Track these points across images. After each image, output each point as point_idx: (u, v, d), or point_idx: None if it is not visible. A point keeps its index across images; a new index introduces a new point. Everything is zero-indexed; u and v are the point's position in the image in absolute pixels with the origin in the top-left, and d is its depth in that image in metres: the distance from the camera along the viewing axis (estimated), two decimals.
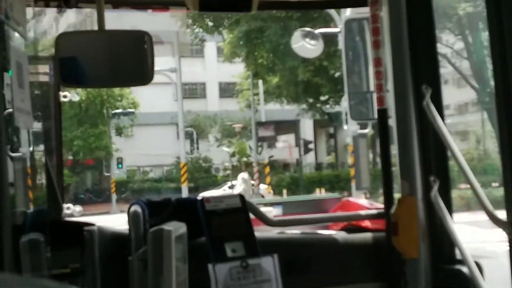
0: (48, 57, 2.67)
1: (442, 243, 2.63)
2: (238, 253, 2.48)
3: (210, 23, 26.88)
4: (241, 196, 2.62)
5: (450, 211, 2.59)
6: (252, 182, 24.73)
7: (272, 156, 33.81)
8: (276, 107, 31.31)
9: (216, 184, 33.33)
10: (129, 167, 37.41)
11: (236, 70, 34.99)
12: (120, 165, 35.98)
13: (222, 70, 41.51)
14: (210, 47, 41.67)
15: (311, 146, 33.17)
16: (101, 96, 34.87)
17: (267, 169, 29.99)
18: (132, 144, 37.55)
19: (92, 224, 2.52)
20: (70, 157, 36.20)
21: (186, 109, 32.47)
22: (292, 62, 24.83)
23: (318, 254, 2.74)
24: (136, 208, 2.45)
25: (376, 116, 2.72)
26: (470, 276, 2.48)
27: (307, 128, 37.47)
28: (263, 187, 27.25)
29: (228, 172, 37.27)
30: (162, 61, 32.86)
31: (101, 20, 2.57)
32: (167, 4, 2.89)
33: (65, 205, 2.80)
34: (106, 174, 37.55)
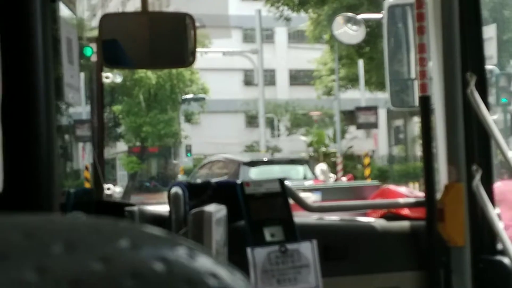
0: (92, 38, 2.68)
1: (483, 233, 2.61)
2: (277, 238, 2.48)
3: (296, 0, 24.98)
4: (280, 181, 2.62)
5: (492, 201, 2.57)
6: (331, 174, 22.71)
7: (351, 147, 32.19)
8: (354, 95, 29.18)
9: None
10: (195, 155, 36.68)
11: (308, 57, 33.88)
12: (189, 153, 35.03)
13: (293, 57, 40.77)
14: (280, 33, 41.06)
15: (402, 136, 31.33)
16: (171, 80, 34.06)
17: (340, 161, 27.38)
18: (199, 132, 36.87)
19: (133, 205, 2.53)
20: (138, 144, 35.60)
21: (255, 96, 31.71)
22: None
23: (356, 241, 2.73)
24: (176, 189, 2.46)
25: (416, 103, 2.70)
26: (511, 267, 2.46)
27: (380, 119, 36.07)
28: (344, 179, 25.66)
29: None
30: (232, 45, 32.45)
31: (144, 1, 2.57)
32: None
33: (105, 186, 2.82)
34: (174, 161, 36.91)
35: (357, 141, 33.36)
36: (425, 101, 2.62)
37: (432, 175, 2.62)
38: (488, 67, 21.67)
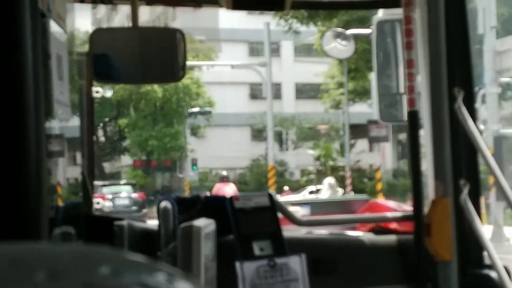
0: (82, 52, 2.71)
1: (470, 247, 2.62)
2: (265, 252, 2.49)
3: (305, 12, 25.10)
4: (269, 195, 2.63)
5: (479, 215, 2.58)
6: (339, 189, 21.97)
7: (359, 161, 32.14)
8: (361, 108, 29.29)
9: (293, 189, 30.63)
10: (201, 169, 36.52)
11: (314, 70, 33.79)
12: (195, 167, 34.98)
13: (299, 70, 40.71)
14: (286, 47, 41.06)
15: (407, 150, 30.99)
16: (177, 94, 33.99)
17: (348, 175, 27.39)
18: (204, 145, 36.80)
19: (122, 219, 2.55)
20: (143, 157, 35.46)
21: (261, 110, 31.59)
22: None
23: (345, 255, 2.74)
24: (166, 204, 2.48)
25: (405, 118, 2.71)
26: (499, 281, 2.47)
27: None
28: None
29: (305, 176, 35.24)
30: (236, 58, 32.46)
31: (134, 16, 2.60)
32: (201, 1, 2.91)
33: (95, 200, 2.84)
34: (180, 175, 36.86)
35: (363, 155, 33.31)
36: (413, 116, 2.64)
37: (420, 189, 2.63)
38: (505, 79, 21.59)
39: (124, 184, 31.51)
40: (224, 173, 26.39)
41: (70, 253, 0.52)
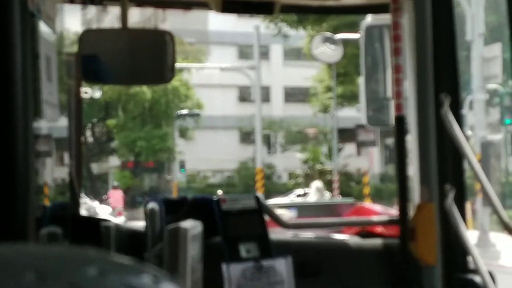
0: (71, 53, 2.71)
1: (455, 252, 2.63)
2: (252, 254, 2.50)
3: (295, 16, 25.20)
4: (256, 198, 2.64)
5: (465, 220, 2.60)
6: (326, 192, 22.57)
7: (346, 165, 31.67)
8: (349, 113, 29.30)
9: (280, 192, 30.91)
10: (189, 171, 36.24)
11: (303, 74, 33.75)
12: (182, 169, 34.89)
13: (288, 74, 40.69)
14: (276, 50, 41.03)
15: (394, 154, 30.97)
16: (166, 96, 33.91)
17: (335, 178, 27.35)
18: (193, 147, 36.74)
19: (109, 220, 2.55)
20: (131, 159, 35.35)
21: (250, 113, 31.56)
22: None
23: (331, 258, 2.76)
24: (153, 205, 2.48)
25: (392, 122, 2.73)
26: (483, 286, 2.48)
27: None
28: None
29: (293, 179, 35.20)
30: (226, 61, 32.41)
31: (124, 18, 2.60)
32: (190, 4, 2.91)
33: (82, 200, 2.84)
34: (168, 177, 36.74)
35: (350, 159, 33.35)
36: (400, 121, 2.65)
37: (406, 194, 2.65)
38: (493, 86, 21.68)
39: None
40: (115, 183, 31.24)
41: (57, 254, 0.53)
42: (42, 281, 0.48)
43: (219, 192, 25.83)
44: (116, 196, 30.00)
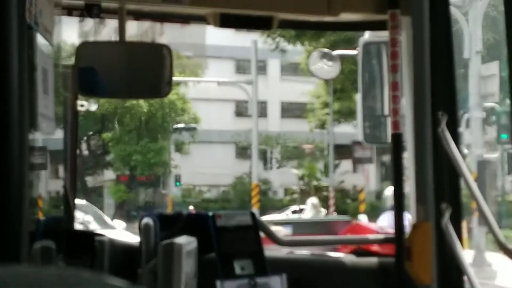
0: (68, 65, 2.70)
1: (451, 272, 2.62)
2: (246, 271, 2.48)
3: (293, 32, 25.24)
4: (252, 214, 2.63)
5: (461, 239, 2.58)
6: (322, 209, 22.44)
7: (342, 181, 31.81)
8: (345, 129, 29.42)
9: (276, 208, 30.75)
10: (184, 185, 36.12)
11: (300, 90, 33.76)
12: (178, 183, 34.65)
13: (285, 89, 40.74)
14: (273, 65, 41.11)
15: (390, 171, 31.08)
16: (163, 109, 33.83)
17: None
18: (188, 162, 36.62)
19: (103, 235, 2.53)
20: (127, 172, 35.21)
21: (247, 127, 31.50)
22: None
23: (326, 276, 2.74)
24: (147, 220, 2.46)
25: (389, 140, 2.72)
26: None
27: None
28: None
29: (289, 195, 35.07)
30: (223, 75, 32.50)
31: (122, 31, 2.60)
32: (188, 18, 2.91)
33: (75, 215, 2.82)
34: (163, 191, 36.59)
35: (346, 175, 33.35)
36: (397, 139, 2.65)
37: (402, 212, 2.64)
38: (490, 104, 21.73)
39: None
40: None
41: (51, 277, 0.52)
42: None
43: (191, 207, 25.61)
44: None
